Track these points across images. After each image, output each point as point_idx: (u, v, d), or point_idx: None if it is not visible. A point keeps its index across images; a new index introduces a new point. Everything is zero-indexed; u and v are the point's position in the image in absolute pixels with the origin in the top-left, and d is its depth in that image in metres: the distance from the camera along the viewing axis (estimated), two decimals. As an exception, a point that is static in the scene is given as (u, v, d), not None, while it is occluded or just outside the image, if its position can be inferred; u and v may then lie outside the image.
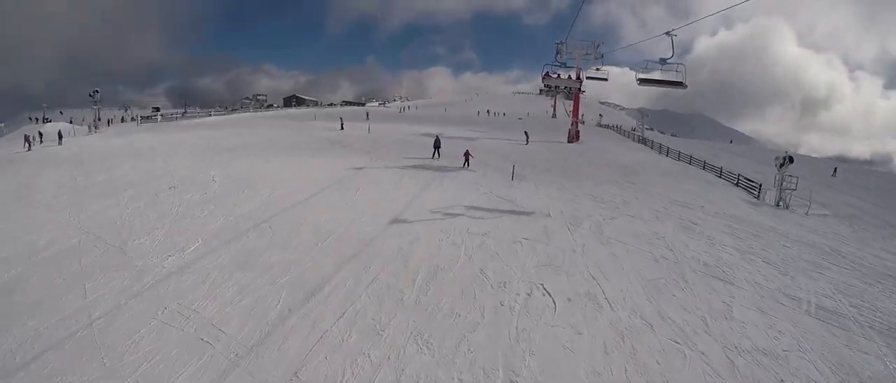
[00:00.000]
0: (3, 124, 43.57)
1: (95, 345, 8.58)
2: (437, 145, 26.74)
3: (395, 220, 15.53)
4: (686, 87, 28.97)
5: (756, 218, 18.05)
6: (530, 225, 15.51)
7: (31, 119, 49.74)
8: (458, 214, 16.37)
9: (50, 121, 46.09)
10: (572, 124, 41.91)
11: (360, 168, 24.12)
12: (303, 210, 16.50)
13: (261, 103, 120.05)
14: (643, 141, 44.28)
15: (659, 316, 9.76)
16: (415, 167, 24.77)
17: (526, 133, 37.10)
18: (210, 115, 66.14)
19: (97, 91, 43.11)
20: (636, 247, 13.71)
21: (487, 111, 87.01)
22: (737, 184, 24.19)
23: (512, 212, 17.09)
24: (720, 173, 26.58)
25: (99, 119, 44.55)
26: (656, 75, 29.48)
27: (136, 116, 52.91)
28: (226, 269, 11.53)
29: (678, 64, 28.10)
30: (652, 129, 61.75)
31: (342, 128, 43.13)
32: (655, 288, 11.02)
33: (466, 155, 24.40)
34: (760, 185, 21.95)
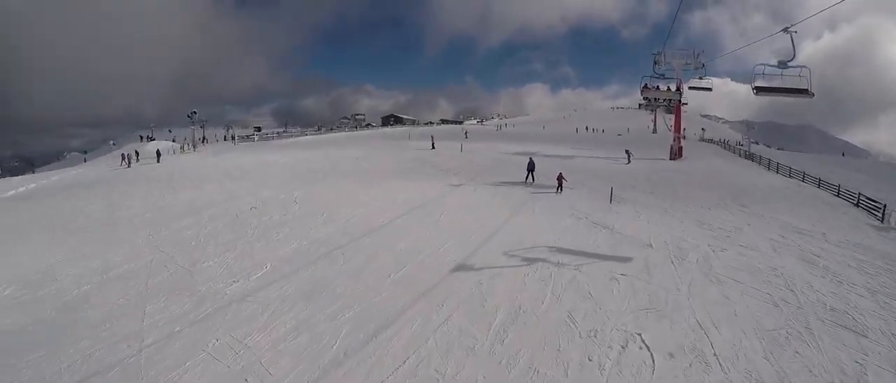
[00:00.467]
0: (113, 142, 50.31)
1: (139, 375, 8.51)
2: (530, 168, 25.42)
3: (478, 250, 14.47)
4: (812, 94, 24.51)
5: (885, 247, 15.71)
6: (629, 256, 13.95)
7: (141, 138, 57.20)
8: (549, 244, 15.06)
9: (154, 140, 52.52)
10: (675, 139, 40.55)
11: (447, 190, 23.77)
12: (381, 236, 16.05)
13: (359, 123, 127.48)
14: (750, 156, 42.81)
15: (780, 381, 8.26)
16: (506, 189, 23.93)
17: (627, 152, 35.09)
18: (305, 135, 71.29)
19: (195, 112, 48.44)
20: (751, 287, 12.03)
21: (586, 128, 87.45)
22: (857, 205, 22.03)
23: (609, 240, 15.66)
24: (838, 192, 24.61)
25: (202, 139, 49.95)
26: (776, 82, 25.36)
27: (234, 136, 58.77)
28: (288, 300, 11.15)
29: (801, 67, 23.87)
30: (757, 143, 56.67)
31: (433, 147, 43.76)
32: (775, 342, 9.48)
33: (560, 178, 22.86)
34: (884, 206, 19.77)
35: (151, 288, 12.25)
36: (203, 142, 53.98)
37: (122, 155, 37.99)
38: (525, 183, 24.85)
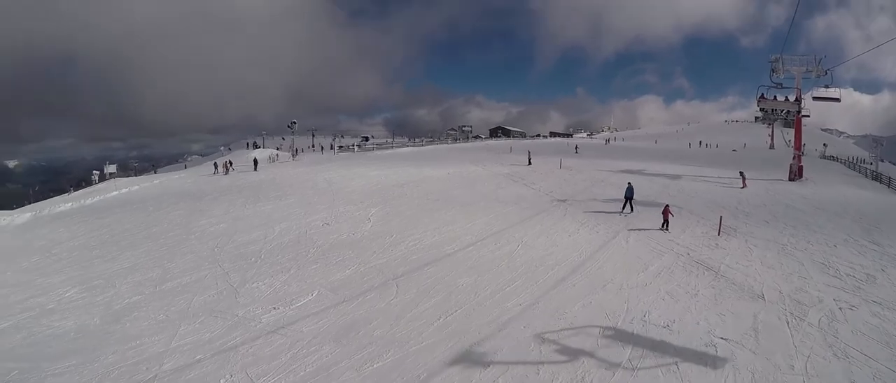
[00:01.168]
0: (223, 147, 54.78)
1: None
2: (628, 196, 22.62)
3: (549, 293, 12.81)
4: None
5: None
6: (734, 312, 11.51)
7: (248, 145, 62.15)
8: (636, 287, 13.02)
9: (259, 148, 56.49)
10: (794, 157, 36.24)
11: (532, 215, 22.13)
12: (444, 267, 15.04)
13: (466, 134, 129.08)
14: (877, 177, 38.34)
15: None
16: (599, 216, 21.65)
17: (742, 174, 31.04)
18: (405, 146, 72.99)
19: (295, 122, 51.60)
20: (887, 369, 9.10)
21: (700, 143, 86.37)
22: None
23: (712, 287, 13.10)
24: None
25: (311, 146, 52.61)
26: None
27: (334, 146, 61.64)
28: (318, 338, 10.62)
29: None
30: (883, 161, 48.06)
31: (529, 162, 42.38)
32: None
33: (665, 213, 19.68)
34: None
35: (194, 306, 12.66)
36: (311, 147, 56.93)
37: (215, 163, 41.66)
38: (621, 212, 21.97)
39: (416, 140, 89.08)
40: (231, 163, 43.90)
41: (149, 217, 24.17)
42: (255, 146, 60.12)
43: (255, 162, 42.72)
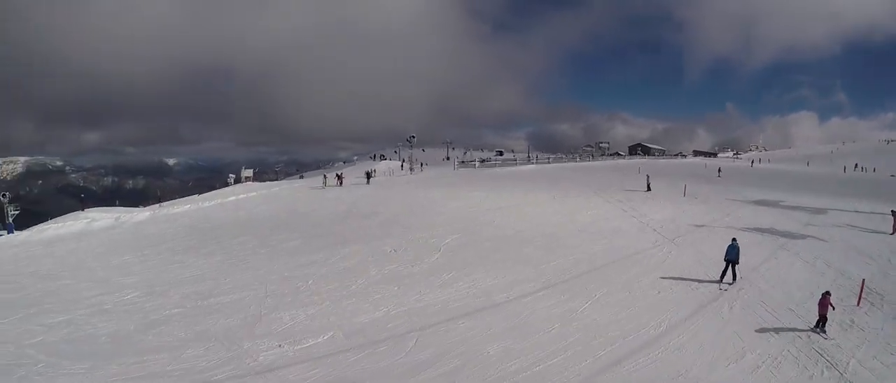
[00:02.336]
0: (355, 157, 57.54)
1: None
2: (730, 259, 15.70)
3: (594, 379, 10.03)
4: None
5: None
6: None
7: (374, 157, 64.69)
8: None
9: (385, 159, 58.35)
10: None
11: (620, 258, 18.60)
12: (481, 323, 12.71)
13: (603, 151, 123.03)
14: None
15: None
16: (707, 267, 16.84)
17: (894, 214, 23.18)
18: (528, 164, 70.55)
19: (413, 136, 52.40)
20: None
21: (855, 166, 77.98)
22: None
23: None
24: None
25: (447, 158, 52.98)
26: None
27: (454, 161, 61.67)
28: (300, 396, 9.64)
29: None
30: None
31: (648, 188, 37.30)
32: None
33: (824, 305, 12.43)
34: None
35: (213, 329, 12.42)
36: (446, 158, 57.44)
37: (324, 176, 43.20)
38: (720, 283, 15.70)
39: (545, 157, 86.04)
40: (341, 176, 45.08)
41: (239, 226, 25.62)
42: (382, 158, 62.37)
43: (368, 175, 44.18)
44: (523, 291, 15.05)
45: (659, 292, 14.99)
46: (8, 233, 23.68)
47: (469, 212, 28.32)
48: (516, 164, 68.44)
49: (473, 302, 14.22)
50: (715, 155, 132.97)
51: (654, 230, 23.44)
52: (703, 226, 24.45)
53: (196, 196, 35.67)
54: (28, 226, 25.80)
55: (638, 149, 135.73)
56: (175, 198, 37.22)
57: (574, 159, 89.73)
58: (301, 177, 56.88)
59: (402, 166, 55.26)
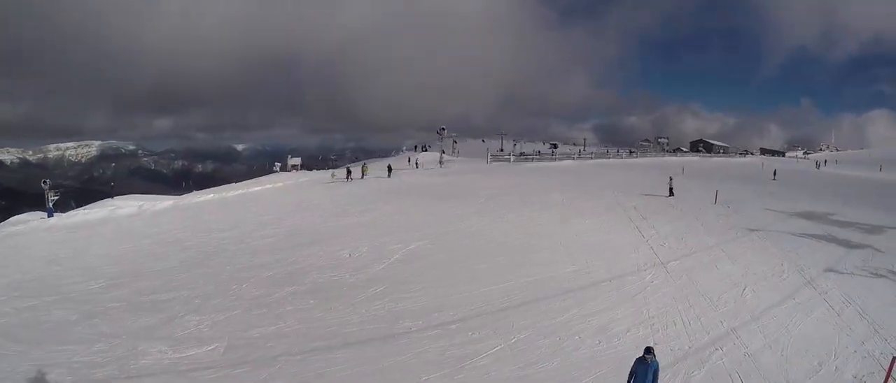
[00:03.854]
0: (405, 147, 57.88)
1: None
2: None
3: None
4: None
5: None
6: None
7: (415, 147, 65.12)
8: None
9: (427, 151, 58.66)
10: None
11: (577, 287, 15.16)
12: (357, 356, 11.19)
13: (661, 146, 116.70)
14: None
15: None
16: (678, 309, 13.65)
17: None
18: (567, 159, 68.07)
19: (443, 128, 51.95)
20: None
21: None
22: None
23: None
24: None
25: (448, 152, 53.27)
26: None
27: (487, 154, 60.77)
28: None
29: None
30: None
31: (671, 193, 32.72)
32: None
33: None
34: None
35: (130, 327, 12.95)
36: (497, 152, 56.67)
37: (347, 168, 43.30)
38: None
39: (588, 153, 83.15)
40: (350, 170, 42.90)
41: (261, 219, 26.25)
42: (424, 149, 62.68)
43: (389, 168, 44.40)
44: (439, 321, 12.97)
45: (599, 342, 11.76)
46: (48, 216, 26.35)
47: (446, 217, 25.85)
48: (555, 160, 66.47)
49: (375, 328, 12.65)
50: (783, 154, 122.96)
51: (652, 248, 19.65)
52: (716, 245, 19.96)
53: (223, 186, 37.78)
54: (96, 205, 28.97)
55: (700, 146, 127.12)
56: (235, 182, 39.59)
57: (628, 154, 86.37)
58: (335, 166, 57.67)
59: (440, 158, 55.22)
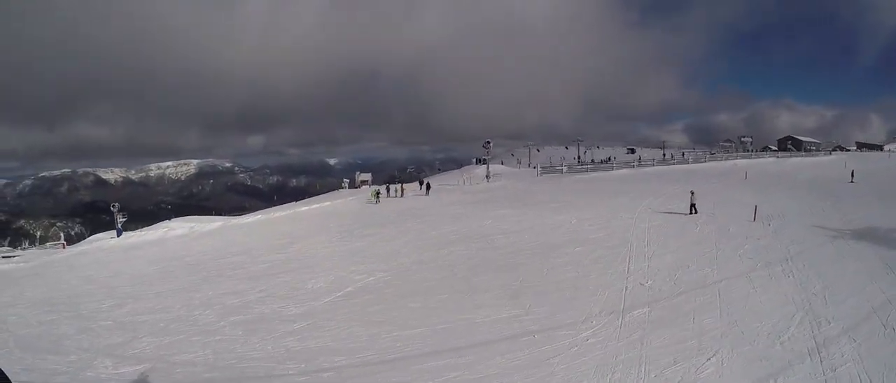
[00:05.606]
0: (475, 159, 58.33)
1: None
2: None
3: None
4: None
5: None
6: None
7: (476, 161, 64.93)
8: None
9: (483, 163, 58.36)
10: None
11: (508, 336, 13.35)
12: None
13: (744, 146, 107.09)
14: None
15: None
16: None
17: None
18: (632, 166, 64.85)
19: (489, 142, 51.24)
20: None
21: None
22: None
23: None
24: None
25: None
26: None
27: (538, 168, 59.51)
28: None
29: None
30: None
31: (693, 210, 28.43)
32: None
33: None
34: None
35: (95, 345, 14.73)
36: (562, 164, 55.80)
37: (378, 189, 43.20)
38: None
39: (648, 159, 78.35)
40: (390, 189, 43.09)
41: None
42: (484, 162, 62.33)
43: (427, 186, 44.10)
44: (321, 367, 12.29)
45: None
46: (117, 235, 31.35)
47: (434, 243, 25.46)
48: (611, 169, 63.69)
49: (263, 367, 12.77)
50: (881, 147, 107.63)
51: (627, 287, 16.35)
52: (717, 283, 16.04)
53: (273, 207, 41.64)
54: (154, 227, 33.92)
55: (788, 143, 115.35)
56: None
57: (709, 155, 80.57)
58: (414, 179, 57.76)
59: (487, 173, 54.86)
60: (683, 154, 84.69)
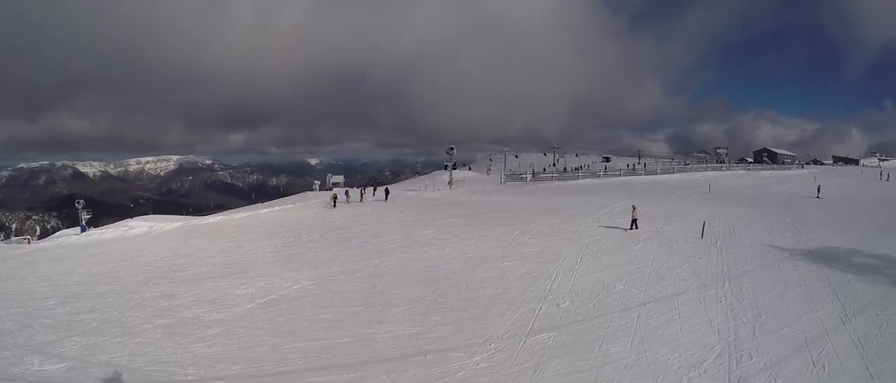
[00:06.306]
0: (447, 164, 58.99)
1: None
2: None
3: None
4: None
5: None
6: None
7: (445, 166, 66.26)
8: None
9: (456, 169, 59.54)
10: None
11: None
12: None
13: (719, 157, 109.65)
14: None
15: None
16: None
17: None
18: (599, 176, 66.02)
19: (453, 148, 52.43)
20: None
21: None
22: None
23: None
24: None
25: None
26: None
27: (499, 173, 61.02)
28: None
29: None
30: None
31: (633, 225, 27.85)
32: None
33: None
34: None
35: (29, 343, 15.60)
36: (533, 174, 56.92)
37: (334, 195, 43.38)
38: None
39: (614, 170, 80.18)
40: (337, 195, 42.90)
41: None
42: (454, 167, 63.11)
43: (386, 191, 45.20)
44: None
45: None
46: (82, 232, 32.89)
47: (380, 251, 26.02)
48: (578, 178, 65.52)
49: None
50: (857, 161, 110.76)
51: (542, 307, 16.28)
52: (639, 306, 15.54)
53: (235, 210, 43.04)
54: (183, 215, 34.78)
55: (764, 155, 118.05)
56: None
57: (684, 165, 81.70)
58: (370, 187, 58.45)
59: (449, 180, 56.18)
60: (645, 165, 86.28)
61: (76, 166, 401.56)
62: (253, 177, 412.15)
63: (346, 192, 45.16)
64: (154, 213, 36.83)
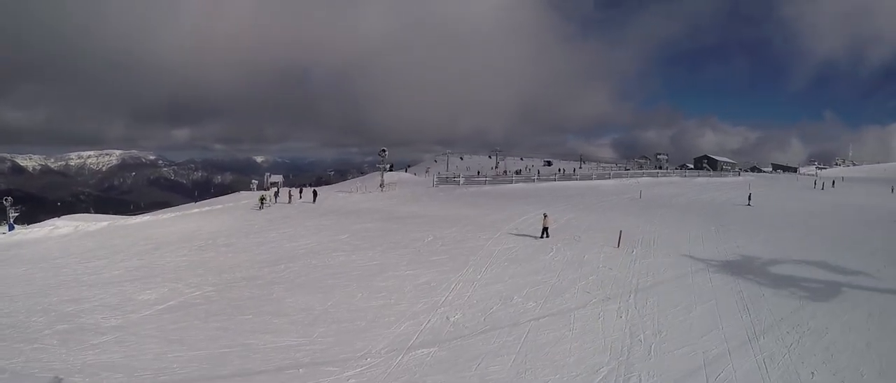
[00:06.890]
0: (390, 165, 60.02)
1: None
2: None
3: None
4: None
5: None
6: None
7: (384, 168, 67.58)
8: None
9: (396, 171, 60.74)
10: None
11: None
12: None
13: (659, 163, 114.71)
14: None
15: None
16: None
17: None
18: (532, 180, 68.89)
19: (385, 150, 53.95)
20: None
21: None
22: None
23: None
24: None
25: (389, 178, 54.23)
26: None
27: (433, 176, 63.09)
28: None
29: None
30: None
31: (544, 234, 27.55)
32: None
33: None
34: None
35: None
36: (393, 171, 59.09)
37: (262, 197, 43.60)
38: None
39: (547, 175, 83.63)
40: (278, 194, 43.36)
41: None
42: (390, 169, 64.10)
43: (314, 194, 44.93)
44: None
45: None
46: (9, 230, 33.62)
47: (296, 254, 26.63)
48: (511, 182, 68.07)
49: None
50: (795, 169, 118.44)
51: (447, 317, 16.21)
52: (531, 321, 15.28)
53: (163, 210, 43.86)
54: (120, 213, 35.03)
55: (704, 162, 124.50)
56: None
57: (623, 171, 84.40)
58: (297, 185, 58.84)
59: (381, 183, 56.56)
60: (575, 170, 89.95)
61: (15, 159, 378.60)
62: (198, 174, 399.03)
63: (275, 194, 45.52)
64: (95, 211, 37.30)
